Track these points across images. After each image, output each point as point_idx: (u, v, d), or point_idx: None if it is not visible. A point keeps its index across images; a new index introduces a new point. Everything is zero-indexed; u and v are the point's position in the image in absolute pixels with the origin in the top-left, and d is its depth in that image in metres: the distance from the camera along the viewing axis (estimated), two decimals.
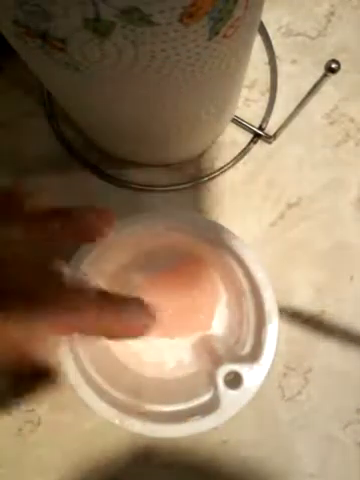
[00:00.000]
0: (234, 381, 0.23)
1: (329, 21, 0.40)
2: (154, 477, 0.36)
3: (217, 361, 0.25)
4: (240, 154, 0.39)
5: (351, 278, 0.37)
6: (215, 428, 0.27)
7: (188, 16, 0.16)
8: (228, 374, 0.24)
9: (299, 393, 0.36)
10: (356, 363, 0.37)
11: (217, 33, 0.18)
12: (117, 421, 0.23)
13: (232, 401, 0.23)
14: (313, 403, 0.36)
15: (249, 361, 0.24)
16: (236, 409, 0.23)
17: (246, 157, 0.39)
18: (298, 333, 0.37)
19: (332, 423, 0.36)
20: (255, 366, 0.24)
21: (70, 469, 0.36)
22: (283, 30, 0.40)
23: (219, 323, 0.30)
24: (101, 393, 0.24)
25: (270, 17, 0.40)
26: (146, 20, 0.15)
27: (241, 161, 0.39)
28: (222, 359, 0.25)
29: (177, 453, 0.36)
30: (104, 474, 0.36)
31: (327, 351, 0.37)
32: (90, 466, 0.36)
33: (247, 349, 0.26)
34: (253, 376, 0.23)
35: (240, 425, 0.36)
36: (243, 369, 0.23)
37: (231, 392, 0.23)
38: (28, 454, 0.36)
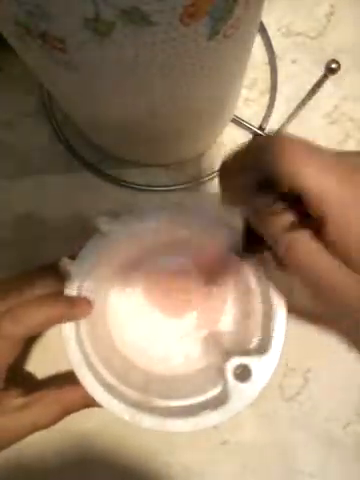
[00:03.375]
0: (243, 374, 0.23)
1: (329, 21, 0.40)
2: (154, 477, 0.36)
3: (225, 355, 0.25)
4: None
5: None
6: (215, 428, 0.27)
7: (188, 16, 0.16)
8: (237, 367, 0.24)
9: (299, 393, 0.36)
10: (356, 363, 0.37)
11: (217, 33, 0.18)
12: (127, 416, 0.23)
13: (242, 394, 0.23)
14: (313, 403, 0.36)
15: (258, 354, 0.24)
16: (246, 402, 0.23)
17: None
18: (298, 333, 0.37)
19: (332, 423, 0.36)
20: (264, 358, 0.24)
21: (70, 469, 0.36)
22: (283, 30, 0.40)
23: (227, 317, 0.30)
24: (110, 389, 0.23)
25: (270, 17, 0.40)
26: (146, 20, 0.15)
27: None
28: (230, 353, 0.25)
29: (177, 453, 0.36)
30: (104, 474, 0.36)
31: (327, 351, 0.37)
32: (90, 466, 0.36)
33: (255, 342, 0.26)
34: (262, 368, 0.23)
35: (240, 425, 0.36)
36: (252, 362, 0.23)
37: (241, 385, 0.23)
38: (28, 454, 0.36)
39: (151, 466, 0.36)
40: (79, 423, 0.36)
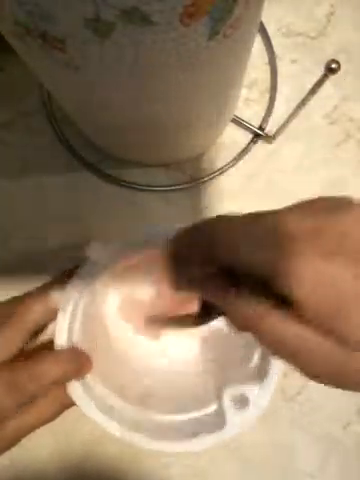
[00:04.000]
0: (240, 402, 0.23)
1: (329, 21, 0.40)
2: (155, 477, 0.36)
3: (224, 378, 0.25)
4: (240, 154, 0.39)
5: None
6: None
7: (188, 16, 0.16)
8: (234, 395, 0.24)
9: (299, 393, 0.36)
10: None
11: (217, 33, 0.18)
12: (118, 433, 0.23)
13: (238, 421, 0.23)
14: (313, 403, 0.36)
15: (256, 379, 0.24)
16: (242, 429, 0.23)
17: (246, 157, 0.39)
18: None
19: (332, 423, 0.36)
20: (261, 386, 0.24)
21: (70, 471, 0.36)
22: (283, 30, 0.40)
23: (226, 340, 0.30)
24: (104, 405, 0.24)
25: (270, 17, 0.40)
26: (146, 20, 0.15)
27: (241, 161, 0.39)
28: (229, 376, 0.25)
29: (176, 453, 0.36)
30: (104, 475, 0.36)
31: None
32: (90, 468, 0.36)
33: (253, 367, 0.25)
34: (259, 396, 0.23)
35: None
36: (249, 390, 0.23)
37: (238, 412, 0.23)
38: (27, 456, 0.36)
39: (152, 466, 0.36)
40: (78, 424, 0.36)
